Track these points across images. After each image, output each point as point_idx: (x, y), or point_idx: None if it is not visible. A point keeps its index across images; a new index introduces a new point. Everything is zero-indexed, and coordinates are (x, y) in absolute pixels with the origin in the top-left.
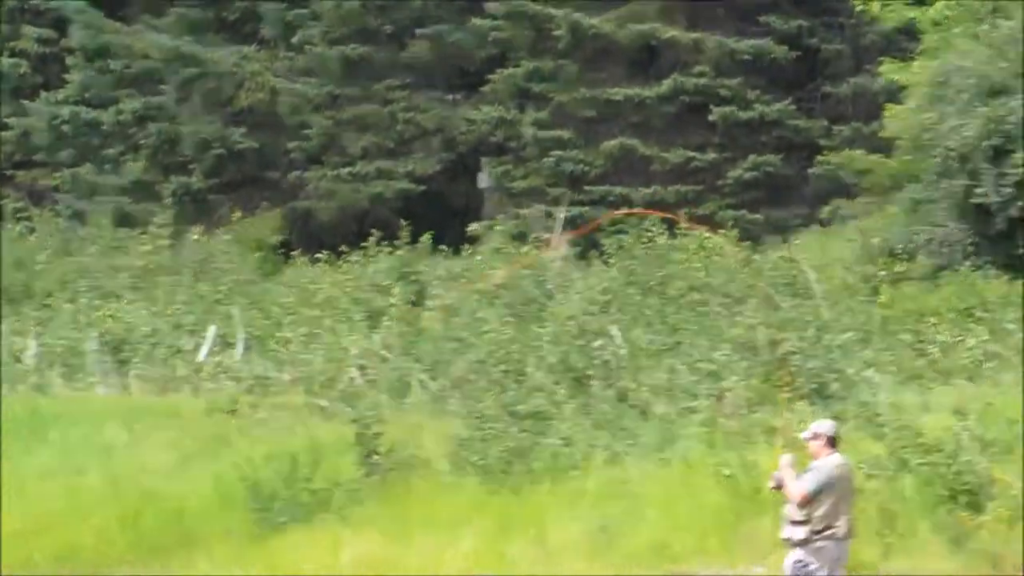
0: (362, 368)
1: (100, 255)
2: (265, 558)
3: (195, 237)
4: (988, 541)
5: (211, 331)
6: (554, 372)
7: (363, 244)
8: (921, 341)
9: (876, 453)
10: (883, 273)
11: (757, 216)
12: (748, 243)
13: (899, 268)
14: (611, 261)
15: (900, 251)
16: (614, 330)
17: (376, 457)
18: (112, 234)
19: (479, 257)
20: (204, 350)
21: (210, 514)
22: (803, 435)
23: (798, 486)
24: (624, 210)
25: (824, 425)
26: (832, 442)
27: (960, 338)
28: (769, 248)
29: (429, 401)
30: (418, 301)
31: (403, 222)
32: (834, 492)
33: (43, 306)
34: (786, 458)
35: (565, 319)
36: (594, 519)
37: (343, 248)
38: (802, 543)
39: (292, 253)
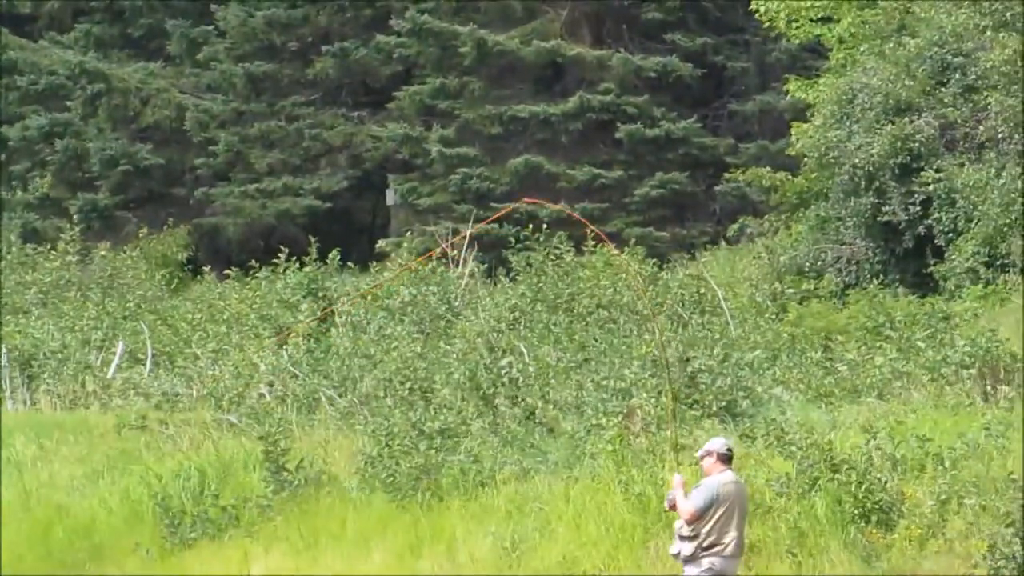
0: (271, 384)
1: (8, 271)
2: (175, 573)
3: (102, 253)
4: (899, 559)
5: (120, 347)
6: (462, 389)
7: (271, 260)
8: (830, 359)
9: (786, 471)
10: (791, 291)
11: (663, 233)
12: (655, 260)
13: (807, 286)
14: (518, 278)
15: (807, 269)
16: (522, 347)
17: (285, 473)
18: (20, 250)
19: (387, 274)
20: (113, 366)
21: (120, 529)
22: (697, 453)
23: (686, 503)
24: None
25: (716, 443)
26: (725, 459)
27: (869, 356)
28: (676, 266)
29: (338, 418)
30: (326, 317)
31: (311, 239)
32: (722, 509)
33: None
34: (677, 477)
35: (473, 336)
36: (504, 536)
37: (251, 264)
38: (689, 559)
39: (199, 269)
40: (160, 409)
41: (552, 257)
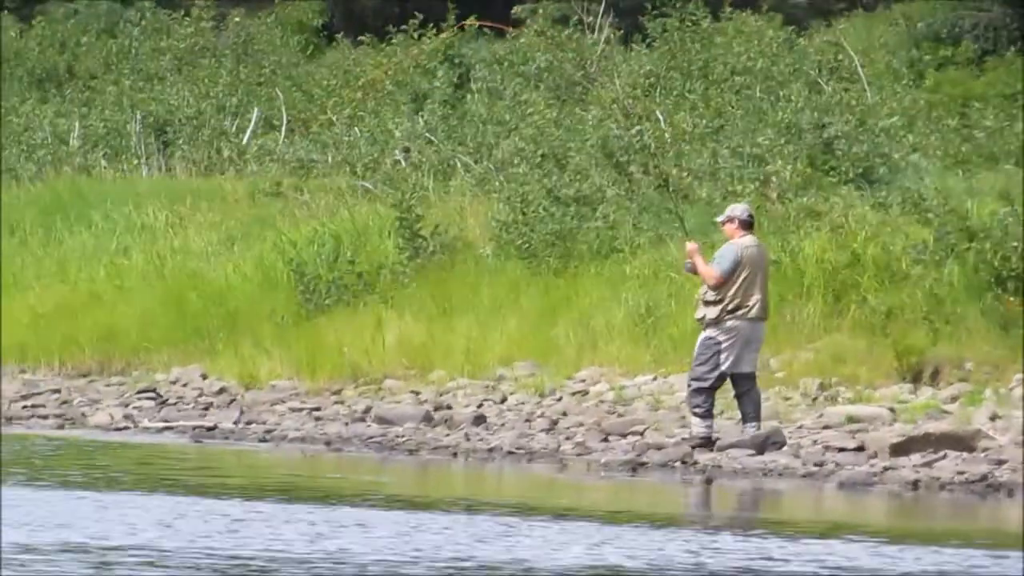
0: (406, 150)
1: (143, 37)
2: (308, 339)
3: (237, 19)
4: None
5: (255, 113)
6: (597, 156)
7: (406, 27)
8: (967, 126)
9: (922, 238)
10: (928, 58)
11: (800, 0)
12: (792, 27)
13: (944, 52)
14: (654, 44)
15: (945, 35)
16: (658, 114)
17: (420, 240)
18: (154, 16)
19: (522, 40)
20: (248, 132)
21: (254, 296)
22: (718, 218)
23: (710, 268)
24: None
25: (737, 208)
26: (746, 225)
27: (1007, 123)
28: (813, 32)
29: (473, 184)
30: (462, 83)
31: (449, 4)
32: (746, 271)
33: (87, 88)
34: (692, 245)
35: (608, 103)
36: (638, 302)
37: (386, 30)
38: (713, 322)
39: (334, 35)
40: (295, 175)
41: (688, 23)
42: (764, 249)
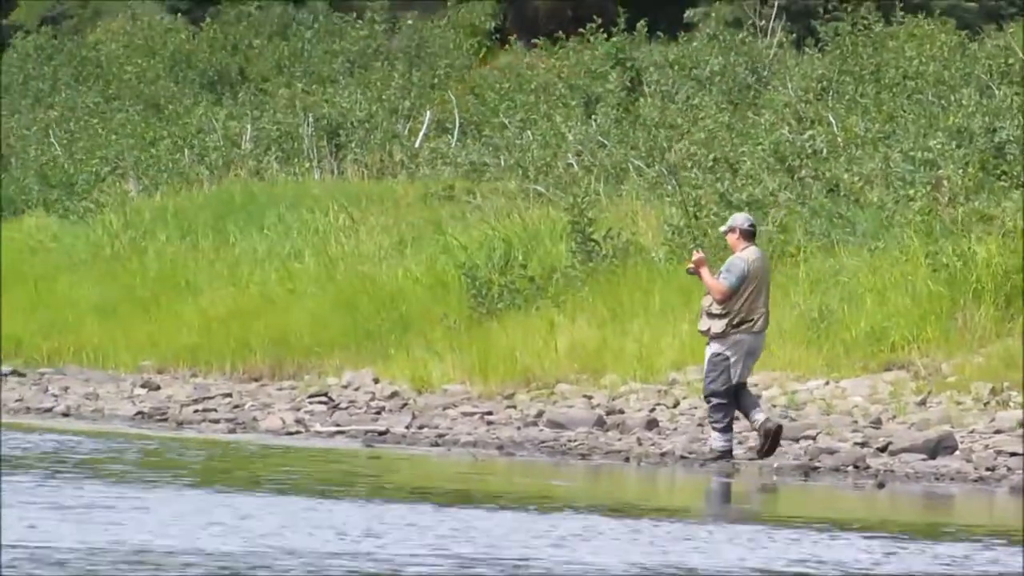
0: (578, 154)
1: (316, 40)
2: (480, 343)
3: (410, 22)
4: None
5: (427, 116)
6: (768, 160)
7: (579, 30)
8: None
9: None
10: None
11: (972, 4)
12: (964, 32)
13: None
14: (826, 48)
15: None
16: (830, 117)
17: (592, 244)
18: (327, 19)
19: (694, 44)
20: (420, 136)
21: (425, 299)
22: (721, 229)
23: (717, 282)
24: None
25: (739, 218)
26: (748, 235)
27: None
28: (984, 36)
29: (645, 187)
30: (634, 87)
31: (620, 8)
32: (752, 285)
33: (259, 91)
34: (699, 255)
35: (780, 106)
36: (811, 306)
37: (558, 34)
38: (720, 336)
39: (507, 39)
40: (467, 179)
41: (860, 27)
42: (767, 260)
